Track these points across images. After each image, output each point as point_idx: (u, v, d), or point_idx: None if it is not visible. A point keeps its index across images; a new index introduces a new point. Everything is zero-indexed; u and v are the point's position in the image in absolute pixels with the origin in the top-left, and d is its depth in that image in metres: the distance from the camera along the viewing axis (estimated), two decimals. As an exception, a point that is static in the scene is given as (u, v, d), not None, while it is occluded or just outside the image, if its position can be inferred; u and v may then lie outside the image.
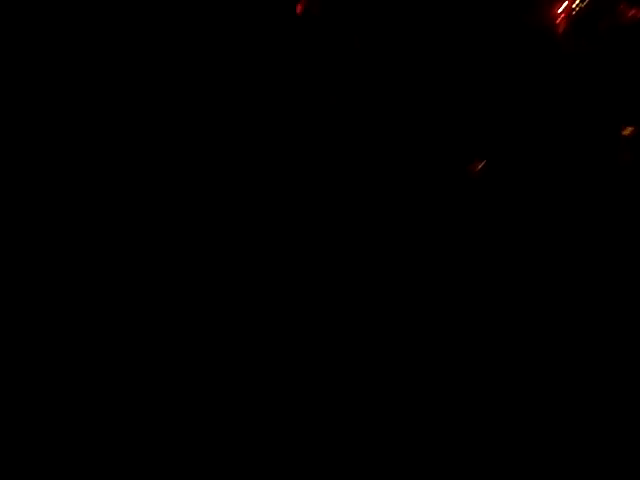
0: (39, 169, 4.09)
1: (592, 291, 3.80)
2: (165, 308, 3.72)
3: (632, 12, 5.81)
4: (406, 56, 5.12)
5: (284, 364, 3.41)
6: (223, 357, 3.46)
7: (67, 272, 3.83)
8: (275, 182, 4.47)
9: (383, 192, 4.56)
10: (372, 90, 5.01)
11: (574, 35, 5.81)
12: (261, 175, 4.49)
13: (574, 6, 5.97)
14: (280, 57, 4.75)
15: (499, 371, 3.35)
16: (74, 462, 2.84)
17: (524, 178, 4.72)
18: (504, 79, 5.33)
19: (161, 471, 2.85)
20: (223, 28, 4.67)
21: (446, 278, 4.00)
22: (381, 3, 5.09)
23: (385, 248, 4.22)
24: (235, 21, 4.70)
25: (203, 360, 3.44)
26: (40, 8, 4.24)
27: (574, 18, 5.86)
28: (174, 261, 4.01)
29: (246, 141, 4.58)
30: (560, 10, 5.92)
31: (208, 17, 4.66)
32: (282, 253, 4.16)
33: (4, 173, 4.03)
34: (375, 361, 3.43)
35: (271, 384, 3.28)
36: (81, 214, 4.05)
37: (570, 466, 2.82)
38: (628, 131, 5.04)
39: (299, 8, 4.73)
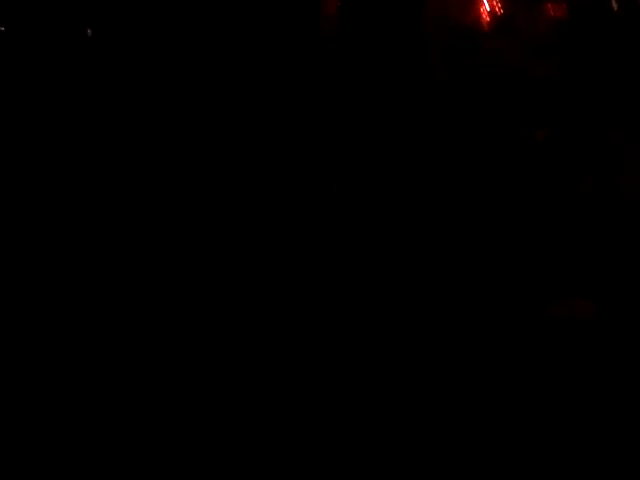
0: (39, 169, 4.08)
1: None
2: (164, 308, 3.76)
3: (549, 9, 6.05)
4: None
5: (283, 364, 3.48)
6: (222, 357, 3.51)
7: (67, 272, 3.85)
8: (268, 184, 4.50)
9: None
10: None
11: (496, 35, 6.01)
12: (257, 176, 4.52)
13: (495, 6, 6.18)
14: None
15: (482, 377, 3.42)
16: (74, 462, 2.88)
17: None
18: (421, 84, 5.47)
19: (161, 471, 2.88)
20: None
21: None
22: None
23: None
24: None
25: (203, 360, 3.49)
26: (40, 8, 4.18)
27: (496, 18, 6.07)
28: (173, 261, 4.03)
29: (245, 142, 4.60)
30: (483, 10, 6.12)
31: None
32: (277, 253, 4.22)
33: (4, 173, 4.01)
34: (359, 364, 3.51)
35: (271, 384, 3.35)
36: (81, 214, 4.08)
37: (570, 466, 2.88)
38: (540, 135, 5.29)
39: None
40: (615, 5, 6.01)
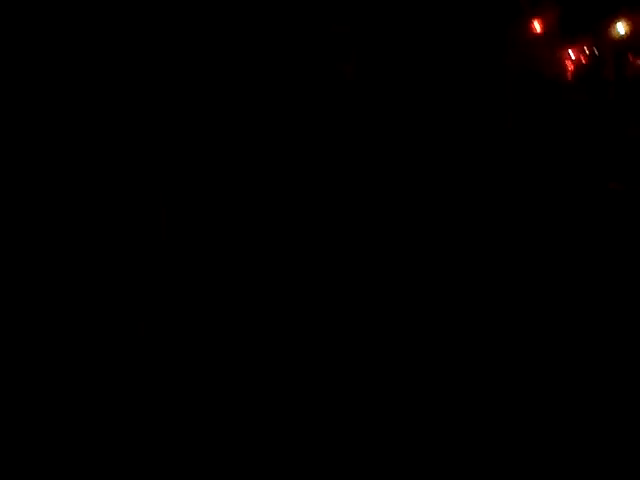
0: (39, 170, 3.99)
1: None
2: (165, 308, 3.73)
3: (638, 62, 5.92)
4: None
5: (283, 364, 3.43)
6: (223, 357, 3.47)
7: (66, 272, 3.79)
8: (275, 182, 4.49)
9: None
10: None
11: (579, 85, 5.88)
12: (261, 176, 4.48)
13: (581, 56, 6.09)
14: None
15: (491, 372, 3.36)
16: (74, 462, 2.81)
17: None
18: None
19: (161, 471, 2.80)
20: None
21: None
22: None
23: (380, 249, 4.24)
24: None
25: (203, 360, 3.45)
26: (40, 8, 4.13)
27: (580, 68, 5.96)
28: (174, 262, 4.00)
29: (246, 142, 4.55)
30: (567, 59, 6.04)
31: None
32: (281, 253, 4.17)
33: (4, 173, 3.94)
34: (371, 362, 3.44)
35: (270, 384, 3.29)
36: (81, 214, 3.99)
37: (570, 466, 2.80)
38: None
39: None
40: None
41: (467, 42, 5.55)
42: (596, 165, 5.35)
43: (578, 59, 6.10)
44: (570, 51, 6.09)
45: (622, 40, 5.98)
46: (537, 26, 5.86)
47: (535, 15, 5.81)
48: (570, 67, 6.06)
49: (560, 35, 5.93)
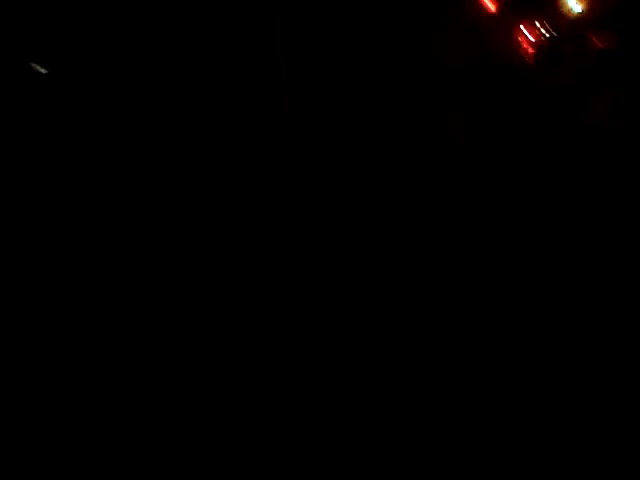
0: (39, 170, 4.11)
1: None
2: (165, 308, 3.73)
3: (600, 41, 5.51)
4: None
5: (284, 364, 3.47)
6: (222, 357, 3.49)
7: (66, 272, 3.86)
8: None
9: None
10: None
11: (538, 66, 5.47)
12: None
13: (537, 36, 5.65)
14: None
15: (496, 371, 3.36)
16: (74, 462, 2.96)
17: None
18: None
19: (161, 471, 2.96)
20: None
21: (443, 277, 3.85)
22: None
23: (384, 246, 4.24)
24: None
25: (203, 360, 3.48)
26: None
27: (538, 48, 5.52)
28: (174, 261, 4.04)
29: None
30: (523, 39, 5.59)
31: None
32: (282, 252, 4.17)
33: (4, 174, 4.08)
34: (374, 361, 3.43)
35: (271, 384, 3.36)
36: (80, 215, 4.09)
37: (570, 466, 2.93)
38: None
39: None
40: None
41: (403, 25, 5.21)
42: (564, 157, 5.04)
43: (536, 39, 5.62)
44: (525, 31, 5.60)
45: (579, 18, 5.54)
46: (488, 3, 5.37)
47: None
48: (528, 48, 5.59)
49: (513, 12, 5.47)
